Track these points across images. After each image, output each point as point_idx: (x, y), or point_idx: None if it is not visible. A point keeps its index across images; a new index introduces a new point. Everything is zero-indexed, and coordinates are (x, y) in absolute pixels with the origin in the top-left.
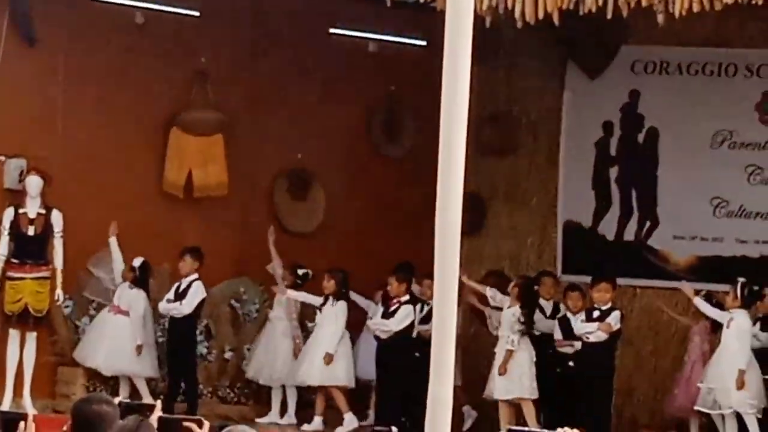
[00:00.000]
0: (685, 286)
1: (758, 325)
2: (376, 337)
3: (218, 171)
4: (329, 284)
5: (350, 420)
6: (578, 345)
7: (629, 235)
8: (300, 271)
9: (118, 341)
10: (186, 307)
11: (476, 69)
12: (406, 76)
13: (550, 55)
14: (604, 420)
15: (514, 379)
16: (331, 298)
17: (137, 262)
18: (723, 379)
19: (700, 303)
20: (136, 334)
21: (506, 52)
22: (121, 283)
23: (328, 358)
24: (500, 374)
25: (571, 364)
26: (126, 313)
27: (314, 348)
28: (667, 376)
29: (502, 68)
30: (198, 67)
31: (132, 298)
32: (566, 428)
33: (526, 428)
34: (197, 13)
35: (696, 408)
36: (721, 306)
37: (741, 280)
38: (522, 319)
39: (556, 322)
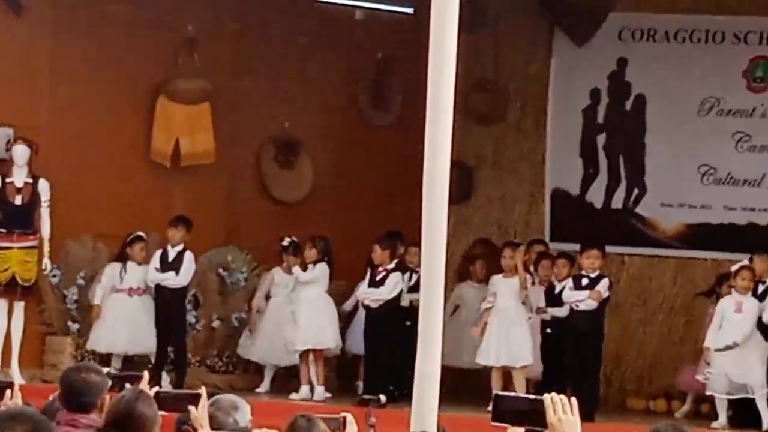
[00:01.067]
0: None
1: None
2: (365, 307)
3: (205, 139)
4: (311, 252)
5: (320, 392)
6: (558, 312)
7: (617, 202)
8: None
9: (139, 321)
10: (182, 278)
11: (463, 37)
12: (394, 44)
13: (537, 22)
14: (593, 387)
15: (513, 347)
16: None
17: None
18: (735, 364)
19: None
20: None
21: (493, 19)
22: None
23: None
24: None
25: (548, 331)
26: (141, 292)
27: (298, 314)
28: (655, 344)
29: (489, 36)
30: (184, 36)
31: (143, 275)
32: (553, 394)
33: (514, 393)
34: None
35: (708, 392)
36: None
37: (747, 259)
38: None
39: (542, 289)
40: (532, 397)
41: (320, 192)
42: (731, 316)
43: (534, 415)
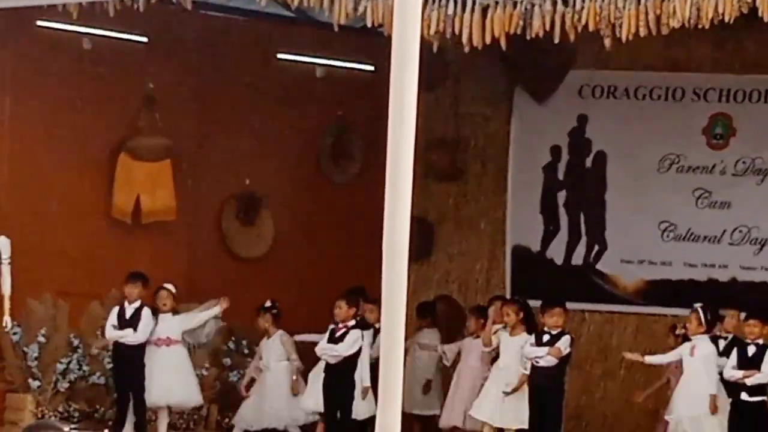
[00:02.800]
0: (630, 355)
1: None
2: (325, 364)
3: (166, 196)
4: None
5: None
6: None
7: (578, 259)
8: (267, 305)
9: (181, 373)
10: (141, 335)
11: (424, 94)
12: (355, 101)
13: (498, 80)
14: None
15: (510, 409)
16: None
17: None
18: (693, 407)
19: (652, 359)
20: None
21: (454, 77)
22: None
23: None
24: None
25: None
26: (171, 343)
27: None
28: (616, 400)
29: (450, 93)
30: (145, 93)
31: (174, 325)
32: None
33: None
34: (145, 39)
35: None
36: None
37: (698, 305)
38: (530, 345)
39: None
40: None
41: (281, 248)
42: (687, 359)
43: None
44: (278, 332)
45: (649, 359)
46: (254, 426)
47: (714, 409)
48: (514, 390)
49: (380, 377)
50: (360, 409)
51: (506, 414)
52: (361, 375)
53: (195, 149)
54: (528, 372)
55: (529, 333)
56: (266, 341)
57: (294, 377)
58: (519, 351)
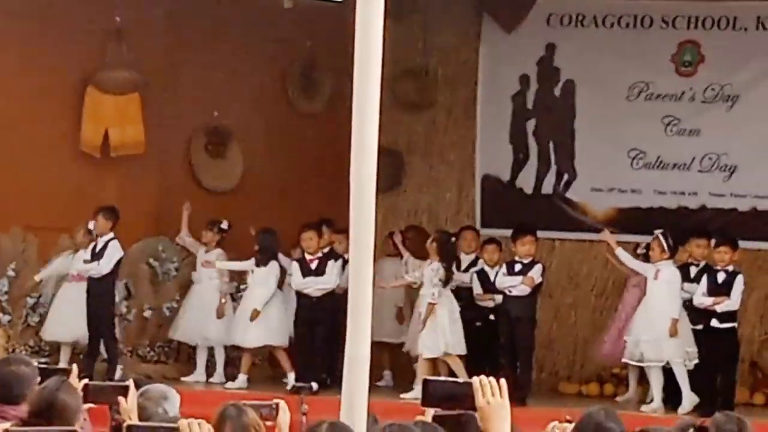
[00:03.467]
0: (607, 236)
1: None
2: (300, 295)
3: (135, 130)
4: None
5: (292, 378)
6: (498, 298)
7: (547, 187)
8: (223, 226)
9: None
10: (104, 266)
11: (392, 24)
12: (322, 33)
13: (466, 9)
14: (525, 372)
15: (438, 336)
16: (260, 259)
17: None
18: (653, 330)
19: (622, 254)
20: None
21: (422, 6)
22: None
23: (254, 313)
24: (421, 330)
25: (491, 317)
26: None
27: (247, 310)
28: (587, 328)
29: (418, 23)
30: (113, 26)
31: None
32: (482, 377)
33: (442, 377)
34: None
35: (624, 361)
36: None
37: (659, 232)
38: (442, 274)
39: (474, 276)
40: (461, 380)
41: (250, 180)
42: (651, 282)
43: (463, 398)
44: (218, 250)
45: (621, 253)
46: (186, 339)
47: (674, 332)
48: (425, 321)
49: (349, 307)
50: (251, 336)
51: (436, 342)
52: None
53: (163, 82)
54: (435, 301)
55: (442, 262)
56: (203, 253)
57: (223, 300)
58: (431, 276)
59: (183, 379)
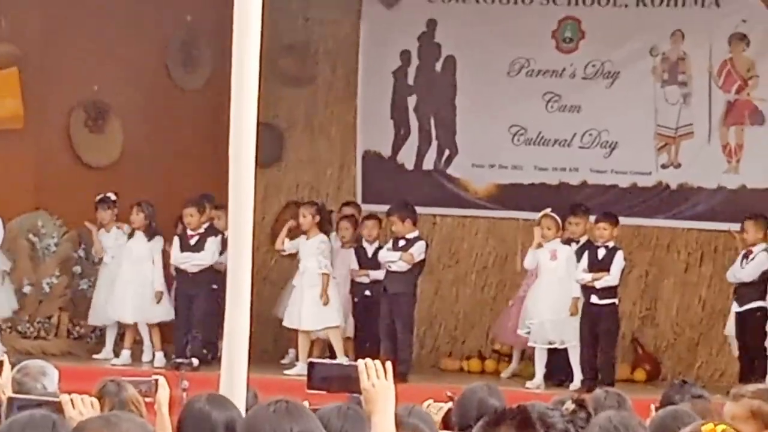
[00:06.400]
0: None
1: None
2: (178, 270)
3: (13, 104)
4: (138, 217)
5: (160, 357)
6: (375, 274)
7: (428, 163)
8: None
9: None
10: None
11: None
12: (203, 7)
13: None
14: (406, 348)
15: (319, 310)
16: (143, 232)
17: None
18: (556, 311)
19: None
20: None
21: None
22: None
23: (159, 296)
24: (324, 303)
25: (367, 293)
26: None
27: (132, 285)
28: (468, 304)
29: None
30: None
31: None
32: (368, 359)
33: (328, 360)
34: None
35: (530, 344)
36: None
37: (548, 210)
38: (327, 246)
39: (352, 251)
40: (345, 363)
41: (130, 155)
42: (547, 263)
43: (349, 380)
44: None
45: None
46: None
47: (575, 311)
48: (325, 291)
49: (228, 281)
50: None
51: (314, 317)
52: (153, 279)
53: (42, 57)
54: (328, 271)
55: (325, 233)
56: (104, 233)
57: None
58: (316, 252)
59: (95, 357)
